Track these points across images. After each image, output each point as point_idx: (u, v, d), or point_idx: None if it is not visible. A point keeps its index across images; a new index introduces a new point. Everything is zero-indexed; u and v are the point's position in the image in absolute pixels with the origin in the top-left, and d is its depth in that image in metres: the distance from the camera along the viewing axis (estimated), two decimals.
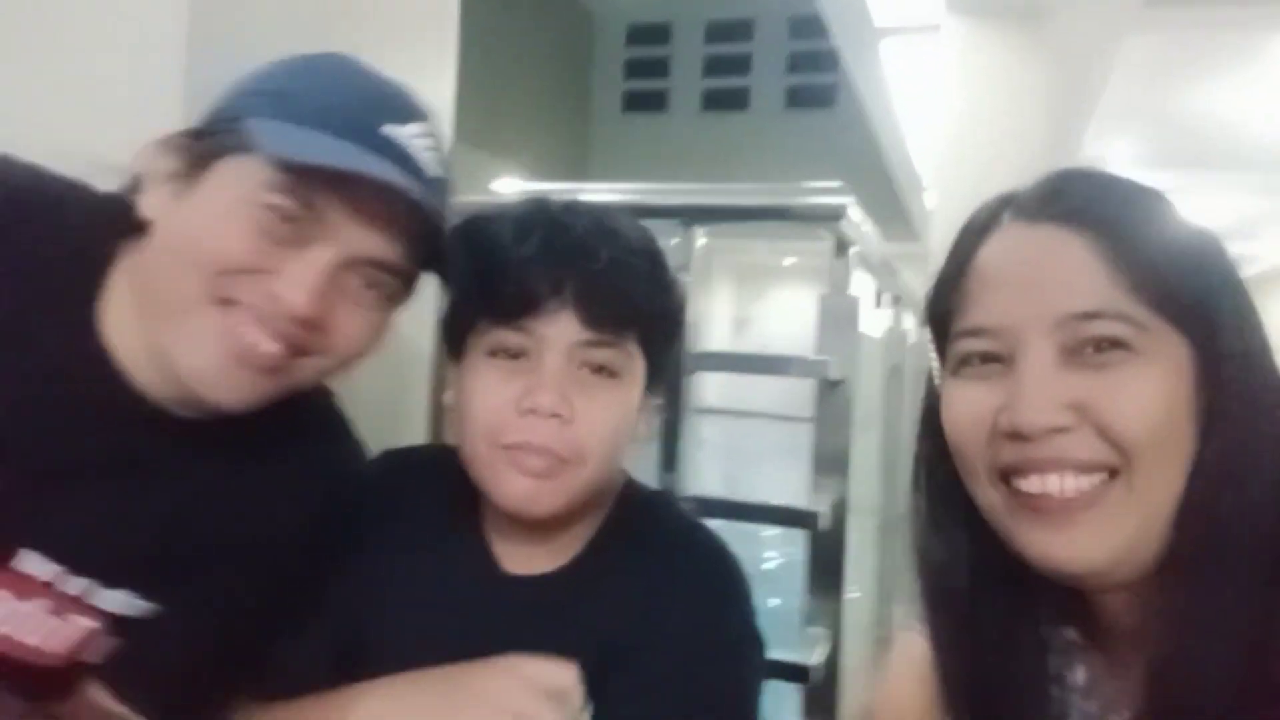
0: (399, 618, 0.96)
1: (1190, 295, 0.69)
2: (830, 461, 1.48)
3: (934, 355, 0.80)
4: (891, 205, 9.73)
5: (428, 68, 1.48)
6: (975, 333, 0.73)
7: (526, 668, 0.84)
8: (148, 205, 0.81)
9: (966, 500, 0.76)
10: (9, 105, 1.10)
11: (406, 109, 0.84)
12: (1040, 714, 0.75)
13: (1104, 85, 5.67)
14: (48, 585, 0.80)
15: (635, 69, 16.93)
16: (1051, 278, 0.70)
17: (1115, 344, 0.67)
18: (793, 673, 1.36)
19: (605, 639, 0.90)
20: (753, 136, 15.28)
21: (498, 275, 0.86)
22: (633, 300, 0.90)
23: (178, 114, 1.03)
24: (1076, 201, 0.72)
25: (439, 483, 0.98)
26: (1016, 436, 0.69)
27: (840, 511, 1.46)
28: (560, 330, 0.88)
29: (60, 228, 0.82)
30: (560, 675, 0.83)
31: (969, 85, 5.43)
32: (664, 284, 0.95)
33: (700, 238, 1.50)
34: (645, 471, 1.45)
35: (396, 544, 0.99)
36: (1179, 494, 0.68)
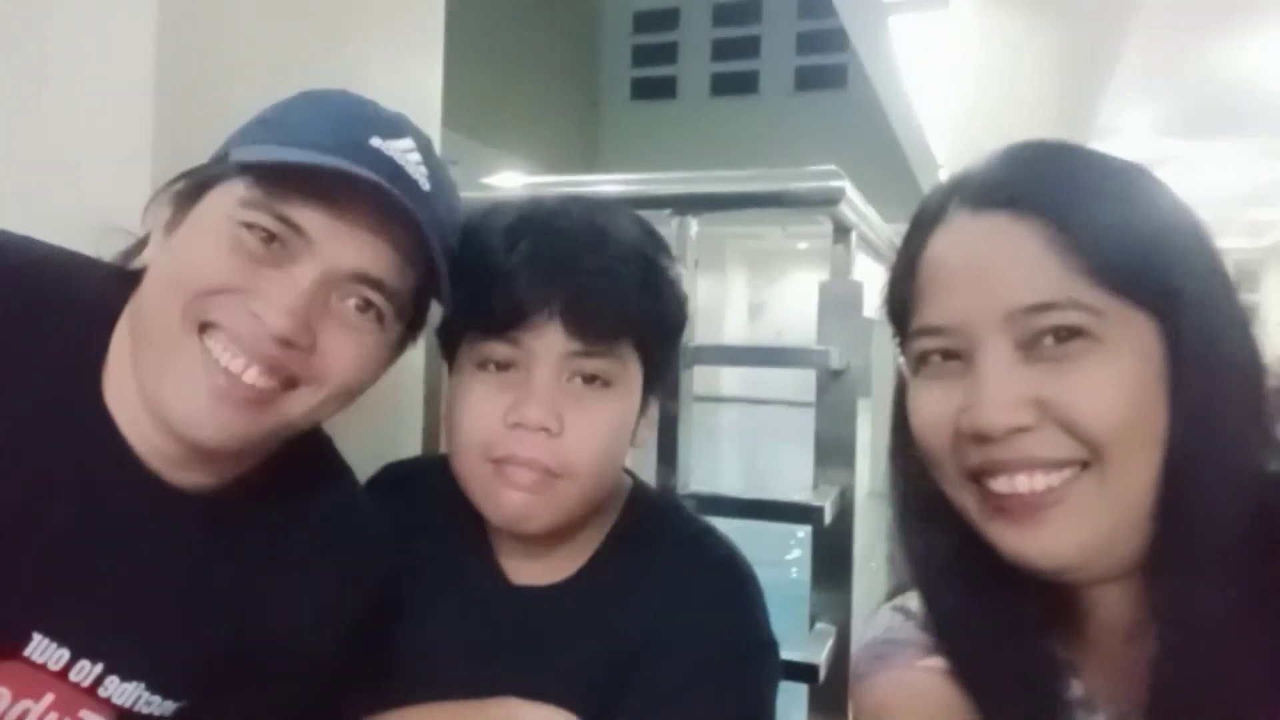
0: (412, 635, 0.95)
1: (1151, 273, 0.65)
2: (834, 453, 1.43)
3: (898, 352, 0.77)
4: (907, 185, 9.64)
5: (414, 56, 1.44)
6: (930, 331, 0.71)
7: (523, 712, 0.84)
8: (146, 255, 0.79)
9: (944, 497, 0.73)
10: None
11: (399, 126, 0.80)
12: None
13: (1121, 50, 5.56)
14: (59, 675, 0.76)
15: (643, 56, 16.89)
16: (1000, 271, 0.67)
17: (1074, 333, 0.64)
18: (800, 672, 1.32)
19: (617, 649, 0.88)
20: (763, 120, 15.21)
21: (484, 286, 0.83)
22: (622, 309, 0.86)
23: (150, 115, 1.00)
24: (1024, 186, 0.68)
25: (442, 496, 0.94)
26: (979, 438, 0.67)
27: (846, 504, 1.42)
28: (548, 342, 0.85)
29: (64, 303, 0.79)
30: None
31: (980, 59, 5.35)
32: (658, 288, 0.90)
33: (694, 227, 1.46)
34: (644, 466, 1.42)
35: (405, 561, 0.96)
36: (1156, 480, 0.65)
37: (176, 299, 0.73)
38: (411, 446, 1.41)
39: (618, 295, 0.85)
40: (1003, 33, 5.23)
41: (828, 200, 1.39)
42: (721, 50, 16.43)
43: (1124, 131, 7.94)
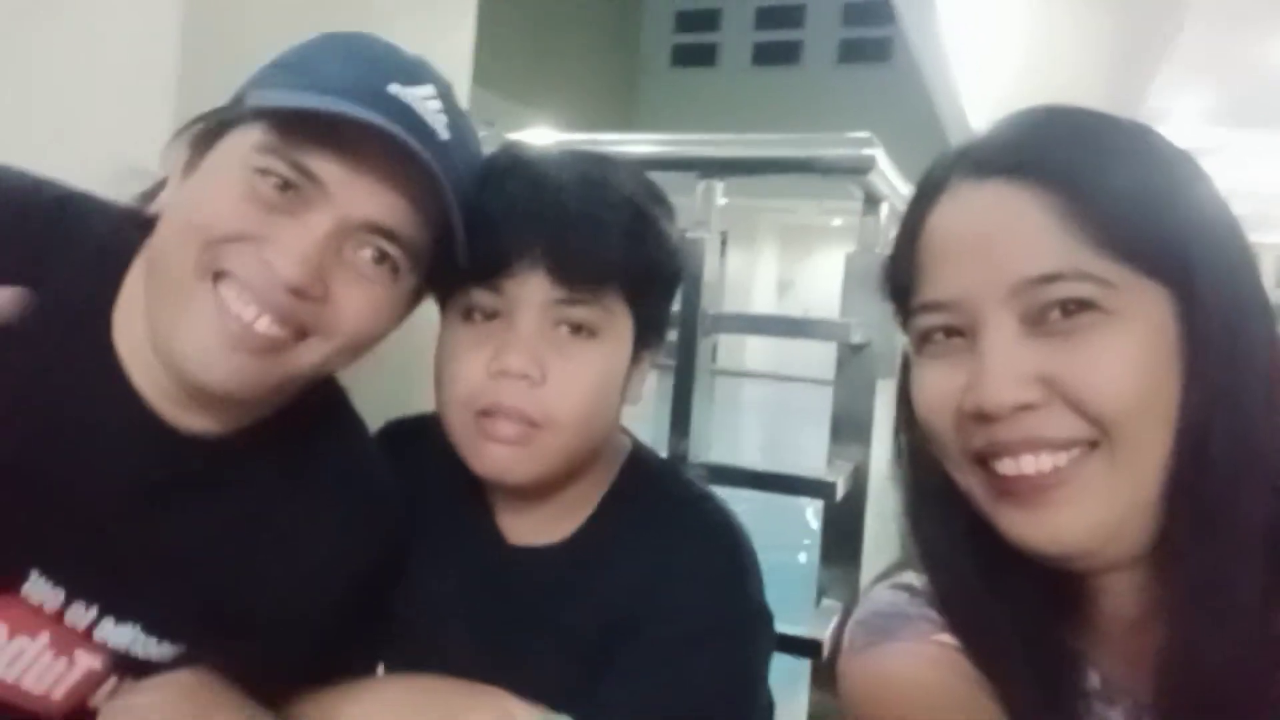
0: (413, 592, 0.95)
1: (1165, 241, 0.61)
2: (850, 429, 1.41)
3: (901, 331, 0.74)
4: None
5: (444, 12, 1.42)
6: (931, 307, 0.68)
7: (510, 705, 0.83)
8: (162, 199, 0.78)
9: (951, 480, 0.70)
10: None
11: (418, 72, 0.78)
12: None
13: (1175, 34, 5.41)
14: (54, 617, 0.76)
15: (685, 21, 16.69)
16: (1003, 241, 0.63)
17: (1082, 306, 0.61)
18: (804, 647, 1.31)
19: (610, 612, 0.88)
20: (805, 92, 14.99)
21: (469, 232, 0.80)
22: (607, 255, 0.84)
23: (175, 62, 1.00)
24: (1029, 151, 0.65)
25: (442, 454, 0.92)
26: (983, 418, 0.63)
27: (860, 480, 1.39)
28: (531, 289, 0.83)
29: (77, 243, 0.78)
30: None
31: (1027, 35, 5.23)
32: (648, 237, 0.88)
33: (719, 191, 1.42)
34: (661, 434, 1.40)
35: (409, 517, 0.96)
36: (1168, 462, 0.62)
37: (190, 246, 0.72)
38: (431, 401, 1.40)
39: (601, 241, 0.83)
40: (1051, 9, 5.10)
41: (858, 168, 1.35)
42: (765, 18, 16.19)
43: (1174, 117, 7.75)
